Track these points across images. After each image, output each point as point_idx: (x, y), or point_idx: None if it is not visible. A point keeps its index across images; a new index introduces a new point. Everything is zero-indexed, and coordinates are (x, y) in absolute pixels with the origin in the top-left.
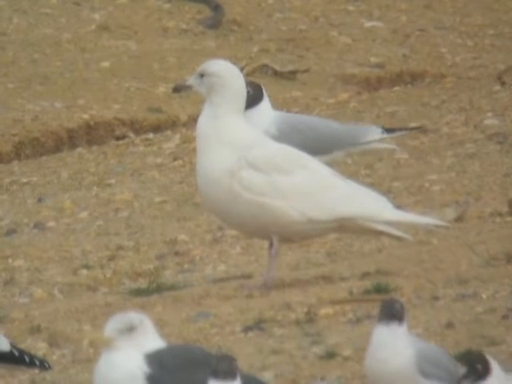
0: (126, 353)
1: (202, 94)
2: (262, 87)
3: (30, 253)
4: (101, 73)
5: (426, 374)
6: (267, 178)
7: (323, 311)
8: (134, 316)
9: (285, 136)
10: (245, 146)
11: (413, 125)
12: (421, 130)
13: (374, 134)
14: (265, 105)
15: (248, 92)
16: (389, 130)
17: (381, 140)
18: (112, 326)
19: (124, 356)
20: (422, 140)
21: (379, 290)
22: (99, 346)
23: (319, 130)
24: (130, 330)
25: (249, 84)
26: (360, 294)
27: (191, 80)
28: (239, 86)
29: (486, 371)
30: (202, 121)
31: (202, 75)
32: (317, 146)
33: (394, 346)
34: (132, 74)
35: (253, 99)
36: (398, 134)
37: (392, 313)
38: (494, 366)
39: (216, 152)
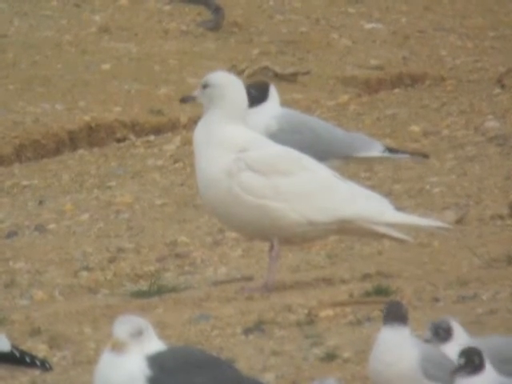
0: (127, 355)
1: (204, 105)
2: (269, 87)
3: (31, 255)
4: (101, 75)
5: (430, 376)
6: (267, 181)
7: (323, 313)
8: (140, 320)
9: (284, 134)
10: (242, 148)
11: (414, 128)
12: (424, 156)
13: (374, 151)
14: (268, 104)
15: (250, 93)
16: (391, 150)
17: (380, 158)
18: (124, 330)
19: (125, 358)
20: (423, 143)
21: (380, 292)
22: (117, 350)
23: (320, 135)
24: (140, 334)
25: (252, 85)
26: (360, 296)
27: (196, 91)
28: (238, 97)
29: (481, 365)
30: (199, 128)
31: (204, 86)
32: (315, 151)
33: (400, 348)
34: (133, 76)
35: (255, 100)
36: (399, 156)
37: (398, 314)
38: (488, 363)
39: (212, 152)
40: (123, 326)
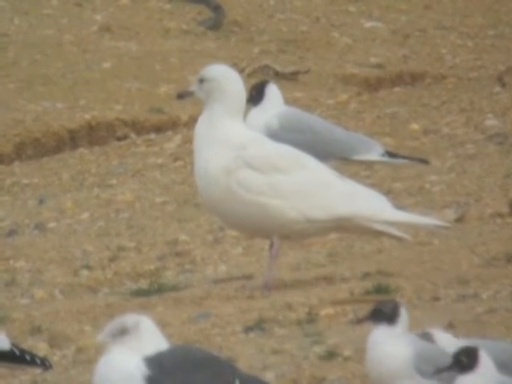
0: (125, 354)
1: (203, 100)
2: (266, 86)
3: (31, 254)
4: (102, 73)
5: (424, 374)
6: (265, 178)
7: (324, 311)
8: (128, 319)
9: (285, 133)
10: (241, 145)
11: (414, 126)
12: (424, 162)
13: (374, 154)
14: (269, 103)
15: (250, 93)
16: (391, 154)
17: (379, 161)
18: (107, 329)
19: (123, 357)
20: (423, 141)
21: (380, 290)
22: (99, 351)
23: (321, 135)
24: (122, 333)
25: (253, 85)
26: (361, 295)
27: (193, 86)
28: (237, 90)
29: (470, 365)
30: (200, 124)
31: (201, 81)
32: (315, 151)
33: (390, 347)
34: (133, 74)
35: (253, 99)
36: (399, 160)
37: (378, 315)
38: (486, 362)
39: (211, 150)
40: (108, 327)
